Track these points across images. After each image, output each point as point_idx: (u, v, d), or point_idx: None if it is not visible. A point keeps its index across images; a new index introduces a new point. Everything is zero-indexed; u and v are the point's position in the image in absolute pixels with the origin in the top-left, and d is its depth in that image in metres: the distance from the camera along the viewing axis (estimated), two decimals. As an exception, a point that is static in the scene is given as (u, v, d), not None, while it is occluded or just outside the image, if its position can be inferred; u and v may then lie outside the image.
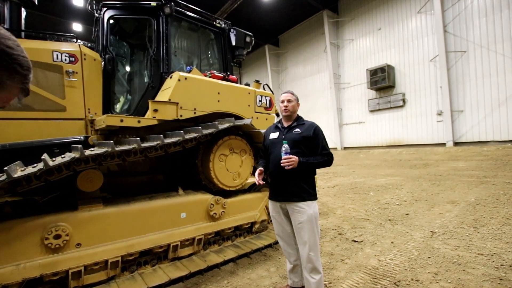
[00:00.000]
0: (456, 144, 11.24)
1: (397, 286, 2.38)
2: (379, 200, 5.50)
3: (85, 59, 2.78)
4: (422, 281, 2.44)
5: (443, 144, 11.52)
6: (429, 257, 2.90)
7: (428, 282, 2.41)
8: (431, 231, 3.65)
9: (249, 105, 3.55)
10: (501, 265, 2.63)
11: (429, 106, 12.09)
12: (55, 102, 2.60)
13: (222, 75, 3.48)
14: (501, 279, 2.38)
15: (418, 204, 5.05)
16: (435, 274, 2.55)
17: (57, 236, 2.07)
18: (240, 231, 3.39)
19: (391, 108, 13.45)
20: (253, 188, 3.71)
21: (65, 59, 2.65)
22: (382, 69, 13.06)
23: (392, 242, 3.38)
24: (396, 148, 13.18)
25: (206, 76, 3.31)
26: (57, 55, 2.58)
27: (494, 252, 2.91)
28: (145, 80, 3.41)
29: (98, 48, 3.23)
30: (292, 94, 2.24)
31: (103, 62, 3.04)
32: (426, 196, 5.54)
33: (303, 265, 2.08)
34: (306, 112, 17.17)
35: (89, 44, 3.61)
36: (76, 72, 2.71)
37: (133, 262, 2.53)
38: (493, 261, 2.72)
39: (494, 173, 7.18)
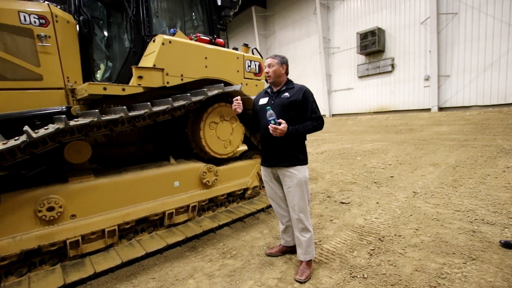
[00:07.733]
0: (440, 109, 11.48)
1: (381, 241, 2.57)
2: (365, 165, 5.71)
3: (57, 21, 2.53)
4: (404, 236, 2.64)
5: (428, 110, 11.76)
6: (411, 215, 3.11)
7: (410, 237, 2.61)
8: (413, 192, 3.87)
9: (238, 71, 3.42)
10: (475, 219, 2.87)
11: (417, 71, 12.07)
12: (30, 70, 2.41)
13: (208, 39, 3.28)
14: (474, 232, 2.61)
15: (402, 167, 5.29)
16: (416, 229, 2.76)
17: (51, 208, 2.07)
18: (233, 197, 3.48)
19: (380, 73, 13.36)
20: (244, 155, 3.74)
21: (35, 22, 2.40)
22: (372, 33, 12.70)
23: (377, 203, 3.58)
24: (383, 114, 13.37)
25: (191, 39, 3.12)
26: (24, 16, 2.32)
27: (469, 208, 3.15)
28: (126, 45, 3.18)
29: (70, 9, 2.93)
30: (274, 57, 2.13)
31: (77, 25, 2.79)
32: (410, 160, 5.78)
33: (294, 225, 2.18)
34: (295, 79, 16.61)
35: (59, 6, 3.26)
36: (49, 37, 2.48)
37: (130, 230, 2.59)
38: (468, 216, 2.95)
39: (474, 137, 7.50)
